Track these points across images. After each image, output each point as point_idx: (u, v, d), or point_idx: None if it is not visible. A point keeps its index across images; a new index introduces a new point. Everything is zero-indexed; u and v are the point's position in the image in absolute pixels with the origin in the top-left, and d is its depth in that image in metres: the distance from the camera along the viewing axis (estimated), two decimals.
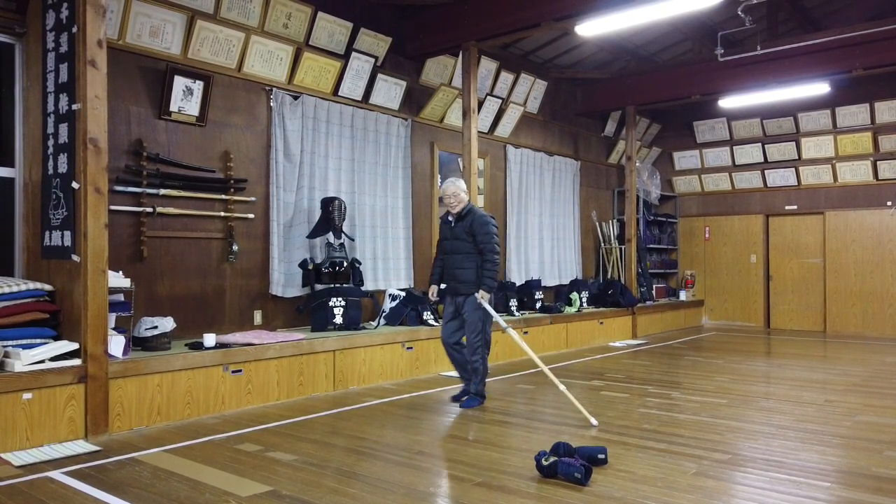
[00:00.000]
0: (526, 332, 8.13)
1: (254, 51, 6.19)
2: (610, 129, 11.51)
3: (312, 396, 5.64)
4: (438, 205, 8.37)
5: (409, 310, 7.00)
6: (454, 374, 6.82)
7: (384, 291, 7.35)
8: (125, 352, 4.69)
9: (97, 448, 4.09)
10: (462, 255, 5.29)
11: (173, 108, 5.68)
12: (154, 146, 5.62)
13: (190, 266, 5.83)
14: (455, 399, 5.46)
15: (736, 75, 8.98)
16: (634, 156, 10.54)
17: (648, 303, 11.06)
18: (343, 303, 6.31)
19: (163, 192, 5.60)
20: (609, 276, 11.14)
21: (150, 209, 5.51)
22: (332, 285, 6.45)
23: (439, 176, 8.43)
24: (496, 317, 5.32)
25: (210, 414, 5.00)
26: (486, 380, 5.50)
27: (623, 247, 10.96)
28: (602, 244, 11.38)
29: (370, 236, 7.36)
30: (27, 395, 4.07)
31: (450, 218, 5.39)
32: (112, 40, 5.17)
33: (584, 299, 9.69)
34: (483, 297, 5.24)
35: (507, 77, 8.94)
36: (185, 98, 5.74)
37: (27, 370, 4.11)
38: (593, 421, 4.67)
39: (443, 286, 5.54)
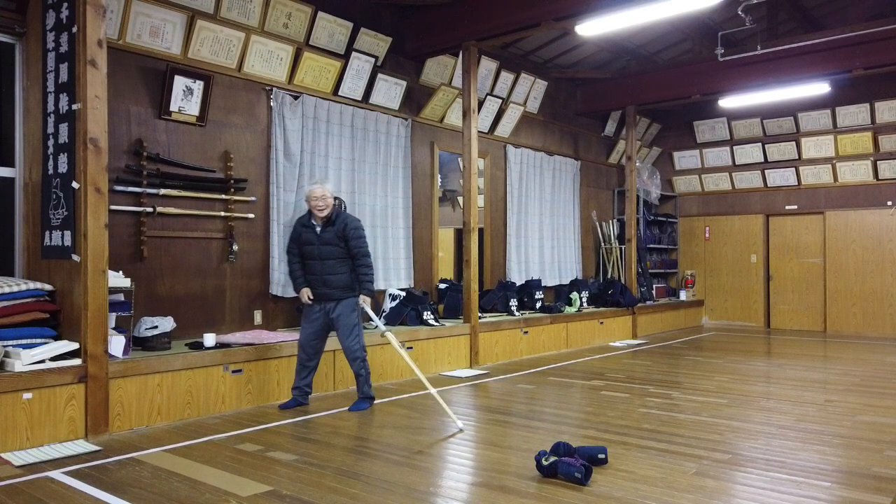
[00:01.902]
0: (526, 332, 8.14)
1: (254, 51, 6.19)
2: (610, 129, 11.51)
3: (312, 396, 5.64)
4: (438, 205, 8.38)
5: (409, 310, 7.00)
6: (455, 373, 6.84)
7: (384, 291, 7.35)
8: (125, 352, 4.69)
9: (97, 448, 4.09)
10: (335, 261, 5.14)
11: (173, 107, 5.68)
12: (154, 146, 5.62)
13: (190, 266, 5.83)
14: (285, 407, 5.21)
15: (736, 75, 8.98)
16: (634, 156, 10.54)
17: (648, 303, 11.06)
18: None
19: (163, 192, 5.60)
20: (609, 276, 11.14)
21: (150, 209, 5.51)
22: None
23: (439, 175, 8.43)
24: (377, 320, 5.34)
25: (210, 414, 5.00)
26: (369, 382, 5.38)
27: (623, 247, 10.96)
28: (602, 244, 11.38)
29: (370, 236, 7.33)
30: (27, 395, 4.07)
31: (313, 222, 5.16)
32: (112, 40, 5.17)
33: (584, 299, 9.69)
34: (365, 302, 5.21)
35: (507, 77, 8.94)
36: (186, 98, 5.74)
37: (27, 370, 4.11)
38: (459, 424, 4.65)
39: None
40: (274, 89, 6.44)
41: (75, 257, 4.44)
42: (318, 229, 5.16)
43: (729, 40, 8.99)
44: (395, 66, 7.62)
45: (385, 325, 6.89)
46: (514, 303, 8.37)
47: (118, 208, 5.29)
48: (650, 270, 11.77)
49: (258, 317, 6.32)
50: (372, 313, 5.31)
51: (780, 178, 11.40)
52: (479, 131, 7.85)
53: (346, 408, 5.23)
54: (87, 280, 4.34)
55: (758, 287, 11.77)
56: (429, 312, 7.10)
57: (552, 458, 3.54)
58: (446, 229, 9.48)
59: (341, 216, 5.21)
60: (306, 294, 5.21)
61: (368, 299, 5.24)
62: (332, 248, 5.16)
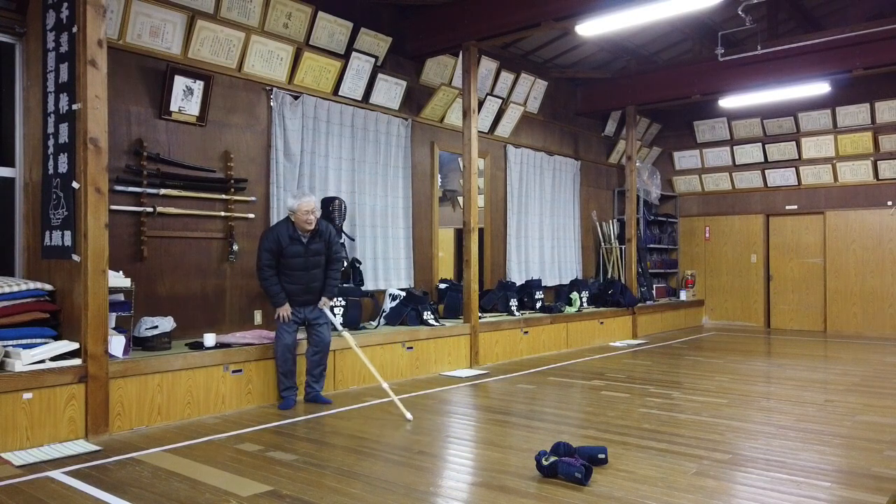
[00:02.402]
0: (526, 332, 8.14)
1: (254, 50, 6.19)
2: (610, 129, 11.51)
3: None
4: (438, 205, 8.38)
5: (409, 310, 7.00)
6: (455, 373, 6.84)
7: (384, 291, 7.35)
8: (125, 352, 4.69)
9: (97, 448, 4.09)
10: (320, 269, 5.35)
11: (173, 107, 5.67)
12: (154, 146, 5.61)
13: (190, 266, 5.83)
14: (284, 408, 5.21)
15: (736, 75, 8.98)
16: (634, 155, 10.54)
17: (649, 303, 11.06)
18: (343, 303, 6.31)
19: (163, 191, 5.60)
20: (609, 276, 11.14)
21: (150, 209, 5.51)
22: None
23: (439, 176, 8.43)
24: (335, 321, 5.53)
25: (210, 414, 5.00)
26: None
27: (623, 247, 10.96)
28: (602, 244, 11.38)
29: (370, 236, 7.36)
30: (27, 395, 4.07)
31: (298, 233, 5.18)
32: (112, 40, 5.17)
33: (585, 299, 9.69)
34: (325, 304, 5.40)
35: (507, 77, 8.94)
36: (186, 98, 5.74)
37: (27, 370, 4.11)
38: (408, 415, 4.86)
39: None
40: (274, 89, 6.44)
41: (75, 257, 4.44)
42: (306, 240, 5.24)
43: (729, 40, 8.98)
44: (395, 66, 7.62)
45: (385, 325, 6.93)
46: (514, 303, 8.37)
47: (118, 208, 5.29)
48: (650, 270, 11.77)
49: (258, 317, 6.32)
50: (330, 314, 5.48)
51: (780, 178, 11.40)
52: (479, 131, 7.85)
53: (333, 408, 5.24)
54: (87, 280, 4.34)
55: (758, 287, 11.77)
56: (429, 312, 7.10)
57: (552, 458, 3.54)
58: (446, 229, 9.49)
59: (323, 225, 5.33)
60: (286, 313, 5.23)
61: (330, 301, 5.47)
62: (319, 257, 5.33)
